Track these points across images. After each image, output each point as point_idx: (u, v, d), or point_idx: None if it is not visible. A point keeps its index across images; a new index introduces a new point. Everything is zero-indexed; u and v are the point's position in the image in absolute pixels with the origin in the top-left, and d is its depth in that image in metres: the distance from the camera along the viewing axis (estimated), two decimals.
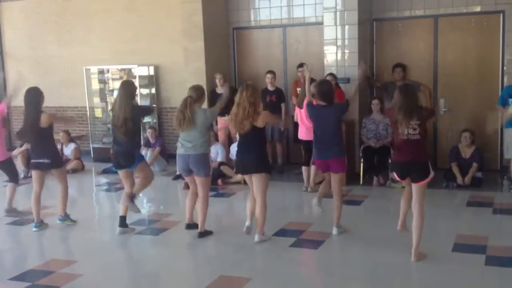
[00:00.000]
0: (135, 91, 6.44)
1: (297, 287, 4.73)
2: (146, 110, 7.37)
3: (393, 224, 5.82)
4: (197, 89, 5.98)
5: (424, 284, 4.71)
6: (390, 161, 7.98)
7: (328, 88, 5.78)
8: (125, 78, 10.67)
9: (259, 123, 5.51)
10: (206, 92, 6.21)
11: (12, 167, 7.17)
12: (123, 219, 6.22)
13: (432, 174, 5.03)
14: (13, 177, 7.15)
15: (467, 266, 4.94)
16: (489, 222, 6.27)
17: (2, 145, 6.98)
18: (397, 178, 5.23)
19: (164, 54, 10.31)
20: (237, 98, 5.54)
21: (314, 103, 5.84)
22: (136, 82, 10.31)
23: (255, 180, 5.61)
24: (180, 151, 5.87)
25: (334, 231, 5.85)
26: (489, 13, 8.32)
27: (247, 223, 6.05)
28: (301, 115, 7.58)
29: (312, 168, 7.66)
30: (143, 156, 6.47)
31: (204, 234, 5.97)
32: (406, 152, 4.97)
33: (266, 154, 5.79)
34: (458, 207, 7.05)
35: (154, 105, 10.32)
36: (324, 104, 5.71)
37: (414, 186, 5.02)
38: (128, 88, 6.12)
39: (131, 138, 5.97)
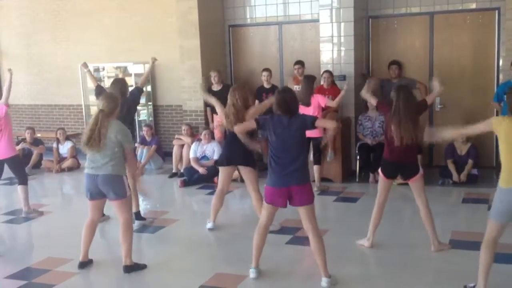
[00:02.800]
0: (127, 89, 6.54)
1: (293, 285, 4.73)
2: (137, 91, 6.84)
3: (389, 221, 5.85)
4: (110, 99, 5.01)
5: (420, 281, 4.71)
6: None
7: (290, 97, 4.58)
8: (120, 76, 10.67)
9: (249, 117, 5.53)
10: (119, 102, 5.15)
11: (19, 166, 6.91)
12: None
13: (421, 171, 5.21)
14: (21, 177, 6.88)
15: (463, 262, 4.96)
16: (485, 219, 6.15)
17: (8, 141, 6.63)
18: (383, 177, 5.25)
19: (160, 52, 10.23)
20: (229, 99, 5.72)
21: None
22: (132, 80, 10.32)
23: (245, 173, 5.87)
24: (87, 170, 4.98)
25: (324, 282, 4.57)
26: (484, 10, 8.34)
27: (211, 224, 6.18)
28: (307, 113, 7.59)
29: (315, 167, 7.66)
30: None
31: (132, 268, 5.05)
32: (397, 153, 5.09)
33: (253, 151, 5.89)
34: (453, 204, 7.08)
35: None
36: (286, 115, 4.54)
37: (411, 184, 5.22)
38: (118, 86, 6.22)
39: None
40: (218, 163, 6.12)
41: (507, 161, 4.02)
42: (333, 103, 7.54)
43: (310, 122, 4.55)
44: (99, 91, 6.79)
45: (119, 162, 4.89)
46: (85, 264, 5.16)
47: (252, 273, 4.77)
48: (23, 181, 6.87)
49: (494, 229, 4.18)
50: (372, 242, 5.38)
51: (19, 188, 6.89)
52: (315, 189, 7.51)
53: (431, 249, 5.25)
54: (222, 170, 6.10)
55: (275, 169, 4.49)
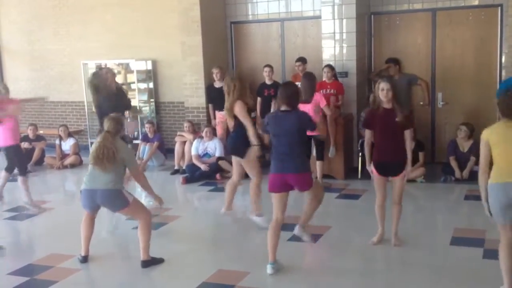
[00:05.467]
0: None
1: (295, 281, 4.74)
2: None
3: (391, 218, 5.84)
4: (116, 121, 5.15)
5: (422, 277, 4.72)
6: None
7: (293, 91, 4.95)
8: (122, 72, 10.68)
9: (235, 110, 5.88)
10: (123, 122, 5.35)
11: (19, 156, 7.26)
12: None
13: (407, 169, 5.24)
14: (20, 168, 7.21)
15: (465, 259, 4.96)
16: (487, 216, 6.26)
17: (13, 130, 6.99)
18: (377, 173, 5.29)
19: (162, 48, 10.29)
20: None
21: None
22: (134, 77, 10.33)
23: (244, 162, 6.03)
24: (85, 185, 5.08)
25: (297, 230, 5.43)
26: (487, 7, 8.31)
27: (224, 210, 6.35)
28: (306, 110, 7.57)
29: (318, 163, 7.65)
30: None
31: (149, 263, 5.12)
32: (385, 153, 5.17)
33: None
34: (456, 201, 7.08)
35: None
36: (286, 109, 4.86)
37: (394, 180, 5.29)
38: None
39: None
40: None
41: (502, 159, 4.01)
42: (327, 112, 7.55)
43: (309, 123, 4.96)
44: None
45: (119, 178, 5.01)
46: (87, 258, 5.22)
47: (269, 269, 4.80)
48: (22, 171, 7.21)
49: (503, 230, 4.09)
50: (381, 235, 5.40)
51: (20, 179, 7.21)
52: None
53: (391, 243, 5.32)
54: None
55: (273, 157, 4.88)
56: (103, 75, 7.59)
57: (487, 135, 4.09)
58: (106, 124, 5.08)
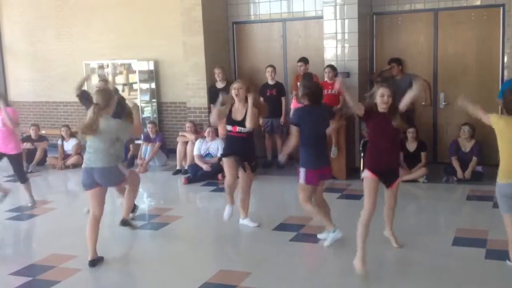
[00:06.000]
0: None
1: (297, 282, 4.73)
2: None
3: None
4: (103, 93, 5.21)
5: (424, 278, 4.71)
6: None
7: (315, 86, 5.40)
8: (124, 73, 10.70)
9: None
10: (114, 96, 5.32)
11: (20, 164, 7.42)
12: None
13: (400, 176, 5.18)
14: (20, 175, 7.36)
15: (467, 260, 4.95)
16: (490, 216, 6.26)
17: (14, 139, 7.18)
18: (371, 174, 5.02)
19: (164, 48, 10.30)
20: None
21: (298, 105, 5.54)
22: (136, 77, 10.34)
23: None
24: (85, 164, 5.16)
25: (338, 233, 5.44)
26: (489, 7, 8.30)
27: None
28: None
29: None
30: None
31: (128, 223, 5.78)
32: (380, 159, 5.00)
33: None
34: (458, 201, 7.06)
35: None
36: (313, 105, 5.27)
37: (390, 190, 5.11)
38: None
39: None
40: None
41: (501, 158, 4.07)
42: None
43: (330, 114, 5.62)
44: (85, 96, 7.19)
45: (113, 154, 5.09)
46: (96, 262, 5.14)
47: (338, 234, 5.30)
48: (22, 179, 7.39)
49: (509, 221, 4.18)
50: (363, 257, 4.75)
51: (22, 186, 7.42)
52: None
53: (393, 246, 5.27)
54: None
55: (312, 153, 5.21)
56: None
57: (496, 120, 4.27)
58: (94, 97, 5.13)
